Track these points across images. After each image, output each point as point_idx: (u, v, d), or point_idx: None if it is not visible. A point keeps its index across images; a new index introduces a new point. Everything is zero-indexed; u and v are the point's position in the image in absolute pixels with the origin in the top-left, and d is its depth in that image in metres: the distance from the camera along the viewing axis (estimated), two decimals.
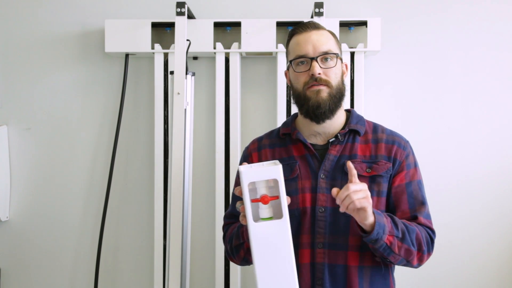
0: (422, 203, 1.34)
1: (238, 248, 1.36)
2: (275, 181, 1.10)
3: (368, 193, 1.17)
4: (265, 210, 1.11)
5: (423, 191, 1.36)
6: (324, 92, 1.31)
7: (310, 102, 1.32)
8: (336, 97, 1.33)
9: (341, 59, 1.37)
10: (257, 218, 1.13)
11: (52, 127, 2.10)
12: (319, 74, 1.31)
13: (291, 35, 1.39)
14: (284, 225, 1.10)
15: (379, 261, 1.32)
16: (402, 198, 1.33)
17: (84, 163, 2.10)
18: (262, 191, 1.11)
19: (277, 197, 1.11)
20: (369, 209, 1.18)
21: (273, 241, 1.10)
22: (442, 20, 2.05)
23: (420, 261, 1.30)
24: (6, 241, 2.12)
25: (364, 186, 1.17)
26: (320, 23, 1.46)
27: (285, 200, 1.10)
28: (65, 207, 2.11)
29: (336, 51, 1.35)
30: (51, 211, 2.11)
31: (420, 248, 1.27)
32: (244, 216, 1.13)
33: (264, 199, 1.10)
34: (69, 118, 2.10)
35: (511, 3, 2.05)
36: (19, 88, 2.10)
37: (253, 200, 1.10)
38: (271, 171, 1.09)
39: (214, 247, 2.02)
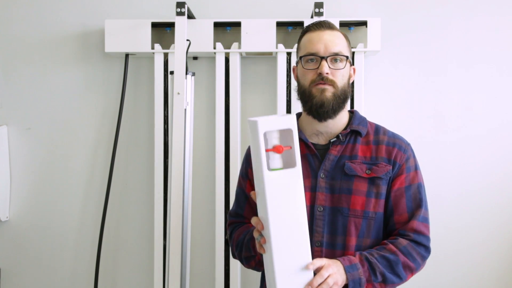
0: (420, 206, 1.34)
1: (248, 259, 1.38)
2: (288, 132, 1.12)
3: (335, 275, 1.18)
4: (276, 160, 1.13)
5: (422, 194, 1.36)
6: (329, 91, 1.32)
7: (314, 100, 1.33)
8: (340, 98, 1.33)
9: (350, 62, 1.37)
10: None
11: (52, 127, 2.10)
12: (327, 73, 1.31)
13: (304, 32, 1.39)
14: (297, 173, 1.12)
15: None
16: (401, 202, 1.34)
17: (84, 163, 2.10)
18: (274, 141, 1.13)
19: (289, 147, 1.12)
20: (340, 281, 1.20)
21: (286, 189, 1.12)
22: (442, 20, 2.05)
23: (414, 273, 1.31)
24: (6, 241, 2.12)
25: (330, 270, 1.18)
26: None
27: (298, 149, 1.12)
28: (65, 207, 2.11)
29: (347, 53, 1.35)
30: (51, 211, 2.11)
31: (410, 270, 1.28)
32: (260, 247, 1.17)
33: (278, 149, 1.11)
34: (69, 118, 2.10)
35: (511, 2, 2.05)
36: (19, 88, 2.10)
37: (267, 150, 1.12)
38: (285, 121, 1.11)
39: (214, 247, 2.02)
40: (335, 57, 1.32)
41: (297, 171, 1.13)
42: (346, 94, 1.35)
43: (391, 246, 1.29)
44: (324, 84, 1.32)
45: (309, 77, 1.34)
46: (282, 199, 1.12)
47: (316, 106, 1.32)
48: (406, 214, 1.33)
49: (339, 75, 1.33)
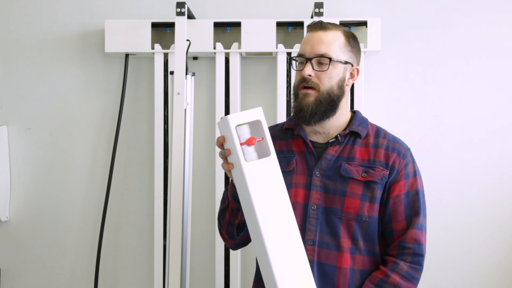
0: (417, 213, 1.32)
1: (223, 212, 1.40)
2: (257, 123, 1.18)
3: None
4: (251, 154, 1.18)
5: (421, 201, 1.33)
6: (311, 96, 1.31)
7: (295, 103, 1.35)
8: (324, 103, 1.32)
9: (344, 63, 1.34)
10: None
11: (52, 127, 2.10)
12: (309, 76, 1.31)
13: (307, 31, 1.40)
14: (273, 161, 1.18)
15: (371, 265, 1.33)
16: (399, 209, 1.32)
17: (84, 163, 2.10)
18: (246, 136, 1.18)
19: (262, 138, 1.18)
20: None
21: (265, 177, 1.17)
22: (442, 20, 2.05)
23: None
24: (6, 241, 2.12)
25: None
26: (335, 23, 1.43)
27: (270, 138, 1.19)
28: (65, 207, 2.11)
29: (335, 55, 1.32)
30: (51, 211, 2.11)
31: None
32: (226, 163, 1.21)
33: (251, 141, 1.17)
34: (69, 118, 2.10)
35: (511, 1, 2.05)
36: (19, 88, 2.10)
37: (241, 144, 1.17)
38: (253, 113, 1.19)
39: (214, 247, 2.02)
40: (319, 60, 1.31)
41: (273, 158, 1.18)
42: (333, 98, 1.32)
43: (393, 277, 1.27)
44: (307, 88, 1.32)
45: (297, 78, 1.36)
46: (263, 187, 1.17)
47: (295, 109, 1.34)
48: (404, 221, 1.31)
49: (325, 77, 1.31)
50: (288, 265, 1.15)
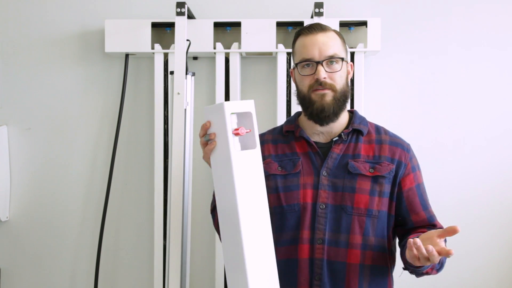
0: (429, 204, 1.39)
1: (213, 214, 1.48)
2: (248, 115, 1.22)
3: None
4: (237, 143, 1.23)
5: (427, 193, 1.41)
6: (329, 96, 1.33)
7: (314, 106, 1.33)
8: (340, 101, 1.34)
9: (346, 61, 1.37)
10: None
11: (52, 127, 2.10)
12: (324, 78, 1.32)
13: (297, 36, 1.39)
14: (257, 154, 1.23)
15: (380, 261, 1.34)
16: (415, 201, 1.37)
17: (84, 163, 2.10)
18: (233, 125, 1.22)
19: (249, 130, 1.22)
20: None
21: (248, 169, 1.21)
22: (442, 20, 2.05)
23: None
24: (6, 241, 2.12)
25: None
26: (323, 23, 1.46)
27: (257, 132, 1.23)
28: (65, 207, 2.11)
29: (342, 54, 1.35)
30: (51, 211, 2.11)
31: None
32: (209, 149, 1.24)
33: (241, 130, 1.21)
34: (69, 118, 2.10)
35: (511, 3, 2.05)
36: (19, 88, 2.10)
37: (232, 132, 1.21)
38: (246, 104, 1.23)
39: (214, 247, 2.02)
40: (330, 60, 1.32)
41: (257, 152, 1.23)
42: (346, 95, 1.36)
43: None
44: (323, 89, 1.32)
45: (306, 83, 1.35)
46: (247, 178, 1.20)
47: (317, 111, 1.34)
48: (423, 212, 1.36)
49: (337, 77, 1.33)
50: (259, 260, 1.19)
